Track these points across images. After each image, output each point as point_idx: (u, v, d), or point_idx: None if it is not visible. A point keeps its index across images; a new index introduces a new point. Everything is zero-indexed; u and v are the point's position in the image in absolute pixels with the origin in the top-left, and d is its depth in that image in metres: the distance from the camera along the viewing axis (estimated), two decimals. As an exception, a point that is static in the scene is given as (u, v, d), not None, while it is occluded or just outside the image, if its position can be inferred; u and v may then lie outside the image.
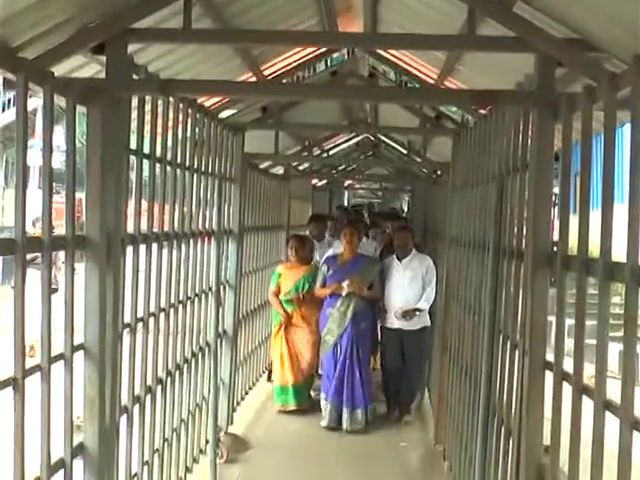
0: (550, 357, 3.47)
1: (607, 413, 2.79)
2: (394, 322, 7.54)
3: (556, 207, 3.50)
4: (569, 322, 3.16)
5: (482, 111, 6.06)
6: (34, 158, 20.08)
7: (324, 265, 7.68)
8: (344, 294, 7.31)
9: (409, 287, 7.57)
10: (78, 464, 3.49)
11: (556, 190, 3.58)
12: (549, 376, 3.47)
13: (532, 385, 3.53)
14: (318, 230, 9.42)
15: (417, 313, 7.48)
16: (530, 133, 3.80)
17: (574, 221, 3.14)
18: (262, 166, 8.79)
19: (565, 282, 3.25)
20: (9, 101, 19.71)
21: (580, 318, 2.99)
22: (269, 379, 9.00)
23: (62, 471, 3.30)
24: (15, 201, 2.76)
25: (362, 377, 7.34)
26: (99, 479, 3.57)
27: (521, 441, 3.66)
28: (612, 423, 2.85)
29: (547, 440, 3.52)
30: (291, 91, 3.64)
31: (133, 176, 4.27)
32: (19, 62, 2.87)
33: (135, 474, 4.39)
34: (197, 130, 5.39)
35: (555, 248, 3.41)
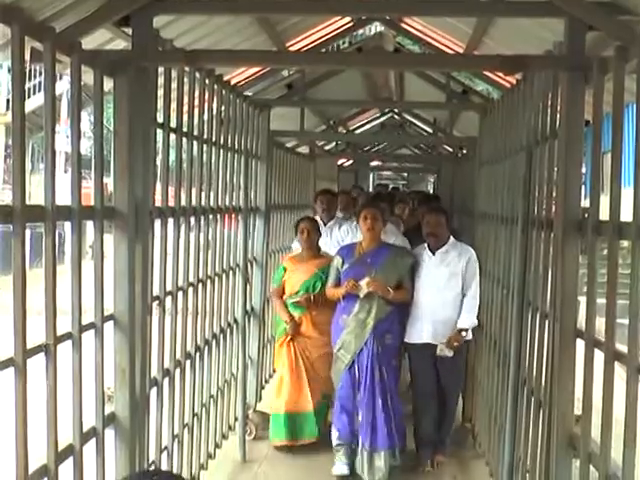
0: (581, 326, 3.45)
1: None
2: (423, 335, 5.56)
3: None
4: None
5: (508, 85, 6.01)
6: (60, 143, 20.32)
7: (337, 257, 5.72)
8: (362, 295, 5.40)
9: (446, 288, 5.55)
10: (109, 433, 3.53)
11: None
12: (579, 346, 3.45)
13: (563, 354, 3.50)
14: (327, 206, 7.19)
15: (464, 335, 5.57)
16: (560, 101, 3.76)
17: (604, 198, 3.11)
18: (288, 145, 8.79)
19: (596, 248, 3.22)
20: (34, 87, 19.87)
21: (612, 282, 2.96)
22: None
23: (94, 440, 3.34)
24: (45, 168, 2.78)
25: (386, 408, 5.42)
26: (130, 449, 3.61)
27: (552, 411, 3.64)
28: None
29: (577, 410, 3.50)
30: (316, 60, 3.62)
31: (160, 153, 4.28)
32: (46, 31, 2.88)
33: (165, 447, 4.42)
34: (223, 106, 5.40)
35: (586, 215, 3.37)
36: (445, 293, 5.53)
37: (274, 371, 6.72)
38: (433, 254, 5.62)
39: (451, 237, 5.70)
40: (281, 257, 7.59)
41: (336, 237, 6.85)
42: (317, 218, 7.00)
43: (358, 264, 5.55)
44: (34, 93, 20.31)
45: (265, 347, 7.57)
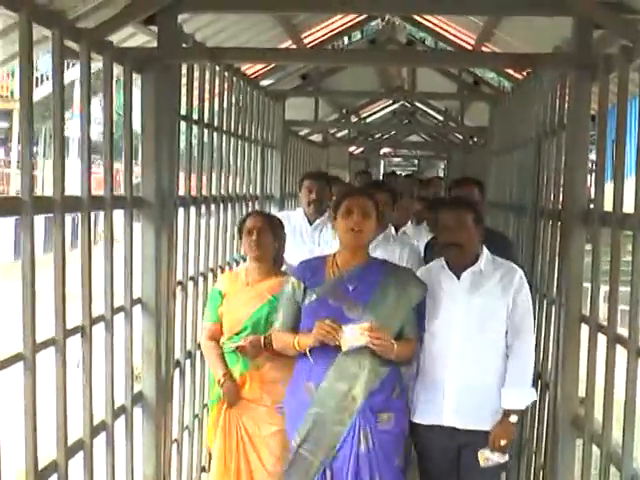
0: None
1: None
2: (442, 413, 3.40)
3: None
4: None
5: (519, 75, 6.15)
6: (73, 129, 20.51)
7: (293, 279, 3.39)
8: (345, 349, 3.15)
9: (482, 333, 3.38)
10: (137, 412, 3.73)
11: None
12: (584, 331, 3.62)
13: (568, 338, 3.66)
14: (317, 196, 5.03)
15: (514, 421, 3.37)
16: (567, 95, 3.92)
17: (608, 186, 3.28)
18: (301, 133, 8.96)
19: (600, 238, 3.38)
20: (41, 76, 20.07)
21: (615, 270, 3.13)
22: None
23: (123, 416, 3.53)
24: (81, 162, 2.96)
25: None
26: (156, 426, 3.81)
27: (557, 393, 3.81)
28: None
29: (582, 392, 3.68)
30: (335, 57, 3.80)
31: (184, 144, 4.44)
32: (82, 32, 3.05)
33: (187, 426, 4.61)
34: (241, 97, 5.57)
35: (592, 206, 3.53)
36: (480, 341, 3.38)
37: (209, 456, 4.29)
38: (457, 277, 3.45)
39: (484, 249, 3.48)
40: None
41: (325, 243, 4.51)
42: (299, 214, 5.18)
43: (332, 295, 3.28)
44: (47, 79, 20.52)
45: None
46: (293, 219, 5.06)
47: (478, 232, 3.45)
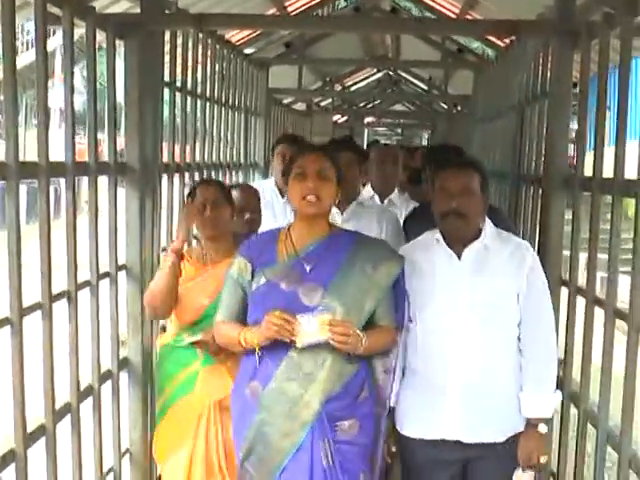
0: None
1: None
2: (442, 423, 2.82)
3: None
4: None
5: (502, 44, 6.16)
6: (54, 99, 20.24)
7: (240, 258, 2.77)
8: (299, 345, 2.55)
9: (489, 323, 2.81)
10: (124, 377, 3.77)
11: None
12: (563, 295, 3.69)
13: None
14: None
15: (544, 431, 2.84)
16: (550, 63, 3.94)
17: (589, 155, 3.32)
18: (285, 102, 8.95)
19: (581, 203, 3.44)
20: (27, 42, 19.78)
21: (594, 234, 3.19)
22: None
23: (110, 381, 3.58)
24: (65, 127, 2.96)
25: None
26: (142, 391, 3.85)
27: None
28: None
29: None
30: (321, 24, 3.82)
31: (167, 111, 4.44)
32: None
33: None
34: (224, 65, 5.56)
35: (573, 171, 3.58)
36: (488, 333, 2.81)
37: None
38: (458, 255, 2.86)
39: (487, 221, 2.91)
40: None
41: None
42: (269, 184, 4.66)
43: (285, 278, 2.69)
44: (27, 49, 20.22)
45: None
46: (263, 190, 4.16)
47: (484, 200, 2.86)
